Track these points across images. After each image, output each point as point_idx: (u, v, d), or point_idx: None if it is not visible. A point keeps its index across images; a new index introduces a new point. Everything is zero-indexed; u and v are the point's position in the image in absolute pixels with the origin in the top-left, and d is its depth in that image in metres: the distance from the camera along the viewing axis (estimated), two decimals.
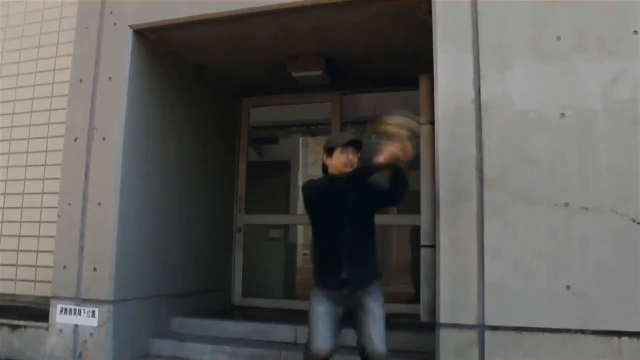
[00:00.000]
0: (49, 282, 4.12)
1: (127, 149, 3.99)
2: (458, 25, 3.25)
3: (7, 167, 5.16)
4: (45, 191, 4.91)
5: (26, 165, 5.08)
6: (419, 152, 3.41)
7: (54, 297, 3.96)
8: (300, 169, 6.94)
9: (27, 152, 5.10)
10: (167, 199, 4.51)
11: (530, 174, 3.00)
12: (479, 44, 3.19)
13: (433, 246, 3.31)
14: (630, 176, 2.84)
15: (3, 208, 5.12)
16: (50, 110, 5.05)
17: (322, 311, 2.67)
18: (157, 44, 4.32)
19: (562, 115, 2.99)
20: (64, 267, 3.94)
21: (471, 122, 3.14)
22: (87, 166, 4.00)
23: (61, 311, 3.89)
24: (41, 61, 5.25)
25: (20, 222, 5.01)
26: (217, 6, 3.88)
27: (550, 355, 2.81)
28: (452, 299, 3.03)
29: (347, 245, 2.73)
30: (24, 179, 5.05)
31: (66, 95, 4.30)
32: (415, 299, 4.22)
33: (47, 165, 4.94)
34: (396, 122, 2.27)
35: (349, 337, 2.82)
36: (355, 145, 2.80)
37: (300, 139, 6.96)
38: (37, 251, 4.84)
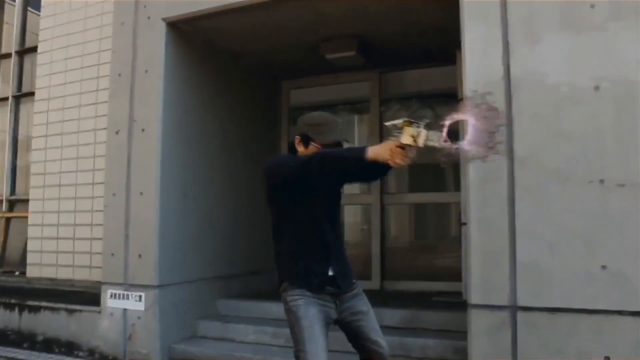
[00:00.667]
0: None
1: (165, 139, 4.12)
2: None
3: (61, 160, 5.43)
4: (95, 182, 5.14)
5: (77, 158, 5.33)
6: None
7: (105, 283, 4.19)
8: None
9: (78, 145, 5.33)
10: (211, 185, 4.64)
11: (564, 151, 2.89)
12: (507, 17, 3.08)
13: None
14: None
15: (59, 199, 5.41)
16: (96, 103, 5.26)
17: (315, 314, 2.26)
18: (191, 35, 4.41)
19: (597, 88, 2.86)
20: (112, 254, 4.15)
21: (501, 99, 3.04)
22: (129, 157, 4.18)
23: (111, 296, 4.12)
24: (86, 57, 5.46)
25: (75, 211, 5.28)
26: None
27: (585, 336, 2.74)
28: (484, 280, 3.00)
29: (331, 238, 2.37)
30: (76, 171, 5.31)
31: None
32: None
33: (96, 156, 5.17)
34: (414, 133, 2.08)
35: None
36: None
37: (342, 119, 6.94)
38: (91, 239, 5.10)
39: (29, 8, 6.41)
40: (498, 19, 3.11)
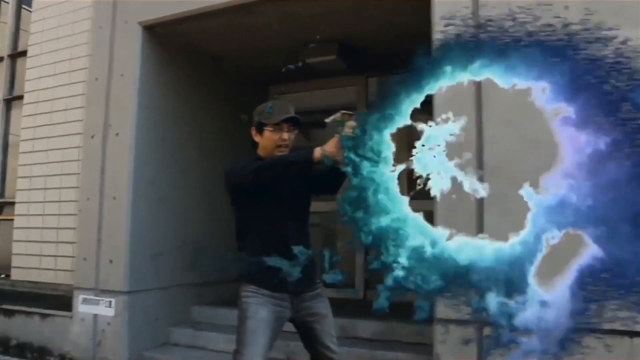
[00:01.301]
0: None
1: (139, 143, 4.09)
2: None
3: (47, 163, 5.43)
4: (78, 186, 5.11)
5: (62, 161, 5.31)
6: None
7: (77, 288, 4.17)
8: None
9: (63, 149, 5.30)
10: (187, 190, 4.59)
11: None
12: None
13: None
14: None
15: (44, 202, 5.40)
16: (83, 107, 5.23)
17: (264, 317, 2.26)
18: (167, 38, 4.38)
19: None
20: (84, 259, 4.12)
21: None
22: (103, 162, 4.15)
23: (83, 301, 4.09)
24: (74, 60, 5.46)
25: (59, 215, 5.25)
26: None
27: None
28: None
29: (294, 237, 2.32)
30: (61, 174, 5.28)
31: None
32: None
33: (80, 160, 5.14)
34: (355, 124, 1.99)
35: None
36: (292, 121, 2.39)
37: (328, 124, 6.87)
38: (74, 243, 5.06)
39: (23, 6, 6.43)
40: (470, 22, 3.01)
